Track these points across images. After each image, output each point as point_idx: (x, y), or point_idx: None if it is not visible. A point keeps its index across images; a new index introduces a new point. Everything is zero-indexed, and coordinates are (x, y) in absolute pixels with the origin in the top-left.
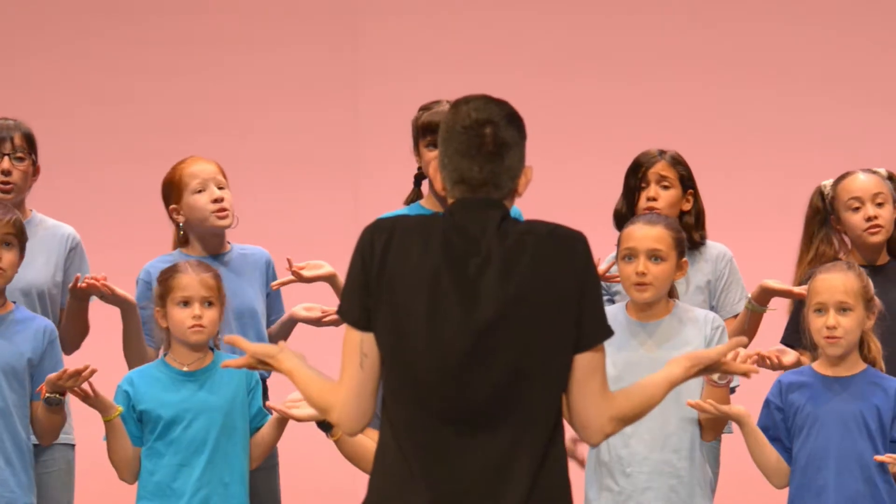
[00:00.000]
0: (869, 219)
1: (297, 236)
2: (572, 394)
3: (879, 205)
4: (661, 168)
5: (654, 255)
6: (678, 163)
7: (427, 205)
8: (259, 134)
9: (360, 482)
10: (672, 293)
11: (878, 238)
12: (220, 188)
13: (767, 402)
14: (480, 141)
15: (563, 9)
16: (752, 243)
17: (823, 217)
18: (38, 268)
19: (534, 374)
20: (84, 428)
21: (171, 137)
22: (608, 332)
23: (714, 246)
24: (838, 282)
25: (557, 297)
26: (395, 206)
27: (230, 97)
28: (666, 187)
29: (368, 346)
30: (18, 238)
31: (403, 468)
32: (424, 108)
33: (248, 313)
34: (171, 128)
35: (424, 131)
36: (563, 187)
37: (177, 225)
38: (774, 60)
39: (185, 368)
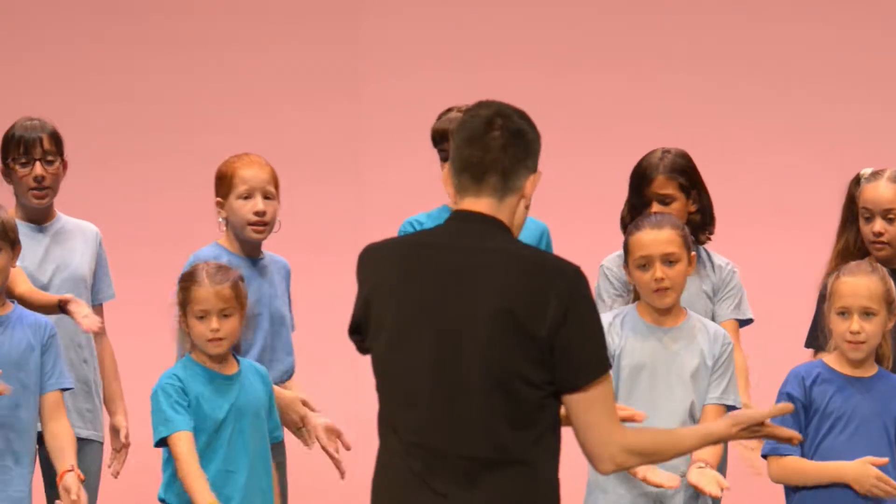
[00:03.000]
0: (875, 234)
1: (299, 236)
2: (574, 427)
3: (890, 220)
4: (659, 186)
5: (668, 259)
6: (676, 171)
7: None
8: (261, 133)
9: (362, 483)
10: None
11: (881, 254)
12: (267, 198)
13: (790, 398)
14: (490, 128)
15: (564, 8)
16: (754, 243)
17: (856, 207)
18: (79, 261)
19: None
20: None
21: (172, 137)
22: (603, 370)
23: (719, 257)
24: (863, 286)
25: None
26: (396, 204)
27: (231, 97)
28: (668, 202)
29: None
30: (9, 240)
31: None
32: (439, 116)
33: (279, 320)
34: (172, 127)
35: (434, 140)
36: (563, 186)
37: (220, 217)
38: (776, 60)
39: (226, 372)
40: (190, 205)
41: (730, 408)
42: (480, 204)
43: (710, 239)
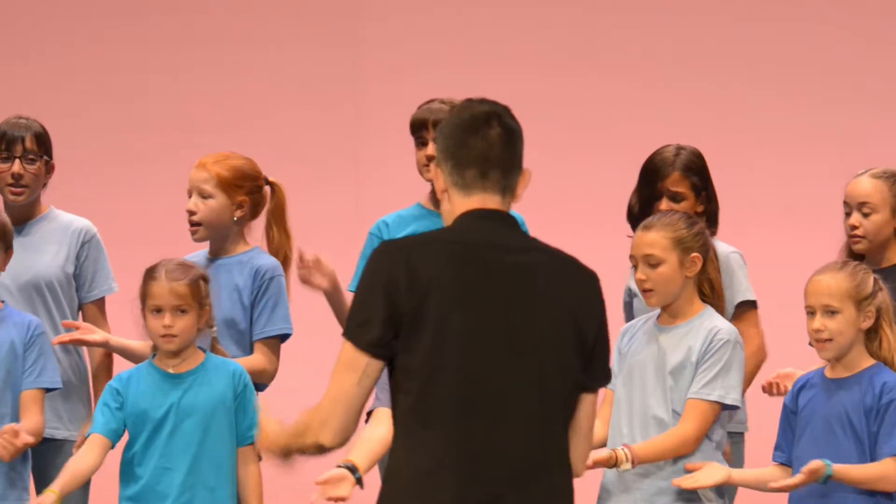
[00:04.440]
0: (851, 226)
1: (298, 236)
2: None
3: (866, 214)
4: (672, 182)
5: (648, 261)
6: (690, 171)
7: (425, 203)
8: (260, 133)
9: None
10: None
11: (858, 248)
12: (203, 196)
13: (784, 407)
14: (485, 124)
15: (565, 8)
16: (758, 243)
17: None
18: (47, 261)
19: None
20: None
21: (172, 137)
22: (609, 377)
23: (721, 245)
24: (823, 284)
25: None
26: (395, 205)
27: (231, 97)
28: (678, 199)
29: (373, 369)
30: (3, 241)
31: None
32: (419, 107)
33: (226, 322)
34: (172, 127)
35: (412, 128)
36: (563, 186)
37: None
38: (778, 60)
39: (170, 370)
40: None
41: (726, 406)
42: (493, 201)
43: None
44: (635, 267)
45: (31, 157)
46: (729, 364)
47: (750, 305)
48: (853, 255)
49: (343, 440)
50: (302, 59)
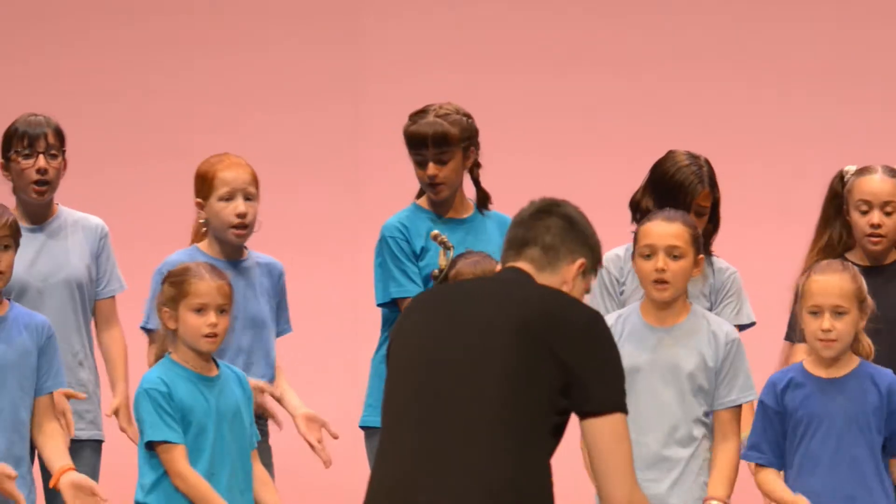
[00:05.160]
0: (873, 226)
1: (298, 237)
2: None
3: (888, 213)
4: (702, 198)
5: (672, 253)
6: (714, 185)
7: (423, 204)
8: (260, 134)
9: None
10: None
11: (877, 248)
12: (248, 199)
13: (763, 406)
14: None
15: (565, 8)
16: (755, 244)
17: (840, 203)
18: (75, 260)
19: None
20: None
21: (172, 136)
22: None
23: (720, 261)
24: (834, 284)
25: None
26: (395, 206)
27: (231, 97)
28: (704, 214)
29: None
30: (14, 239)
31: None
32: (412, 116)
33: (259, 323)
34: (172, 127)
35: (410, 142)
36: (563, 186)
37: (200, 218)
38: (778, 60)
39: (205, 373)
40: (189, 204)
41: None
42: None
43: (710, 245)
44: (648, 256)
45: (53, 152)
46: (743, 361)
47: (746, 326)
48: (842, 254)
49: None
50: (302, 59)
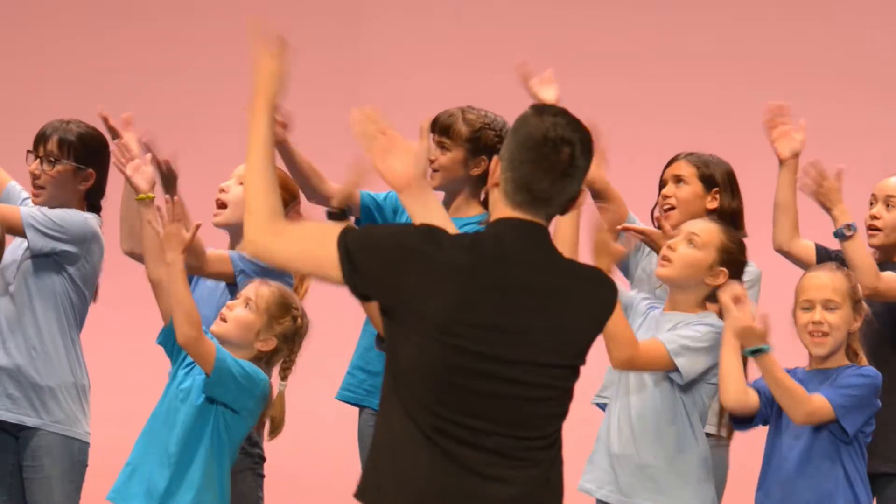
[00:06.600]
0: (873, 216)
1: None
2: None
3: (889, 206)
4: (676, 167)
5: (690, 240)
6: (700, 161)
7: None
8: None
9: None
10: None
11: (873, 242)
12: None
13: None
14: (556, 158)
15: (565, 8)
16: (754, 243)
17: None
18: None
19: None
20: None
21: (172, 137)
22: None
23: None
24: (826, 280)
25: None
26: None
27: (230, 96)
28: (681, 184)
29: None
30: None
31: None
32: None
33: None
34: (172, 127)
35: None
36: None
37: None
38: (778, 60)
39: None
40: (190, 204)
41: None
42: None
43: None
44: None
45: (50, 158)
46: (693, 334)
47: None
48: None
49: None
50: (301, 58)
